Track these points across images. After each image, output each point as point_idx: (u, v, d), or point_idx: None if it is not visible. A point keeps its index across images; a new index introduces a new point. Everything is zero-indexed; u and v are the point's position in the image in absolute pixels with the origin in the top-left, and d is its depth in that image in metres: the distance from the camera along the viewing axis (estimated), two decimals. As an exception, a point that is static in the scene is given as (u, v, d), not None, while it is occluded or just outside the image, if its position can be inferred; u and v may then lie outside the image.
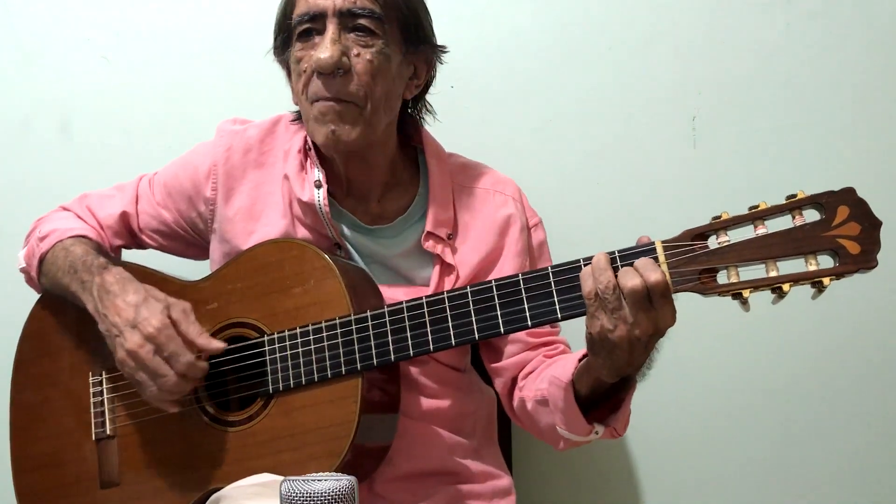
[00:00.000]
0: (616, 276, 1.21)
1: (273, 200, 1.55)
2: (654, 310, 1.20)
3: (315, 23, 1.42)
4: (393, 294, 1.49)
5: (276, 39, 1.52)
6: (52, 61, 1.97)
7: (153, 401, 1.43)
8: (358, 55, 1.41)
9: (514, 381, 1.55)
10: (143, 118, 1.96)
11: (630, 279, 1.20)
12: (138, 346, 1.39)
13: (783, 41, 1.89)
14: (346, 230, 1.54)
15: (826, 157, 1.88)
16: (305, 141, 1.54)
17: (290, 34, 1.47)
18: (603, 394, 1.35)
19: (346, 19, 1.41)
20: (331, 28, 1.41)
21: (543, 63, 1.92)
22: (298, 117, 1.57)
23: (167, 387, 1.40)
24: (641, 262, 1.21)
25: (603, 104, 1.92)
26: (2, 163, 1.97)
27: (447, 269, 1.52)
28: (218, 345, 1.43)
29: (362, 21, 1.41)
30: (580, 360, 1.34)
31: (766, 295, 1.20)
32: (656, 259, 1.23)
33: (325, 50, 1.39)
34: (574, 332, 1.36)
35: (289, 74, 1.53)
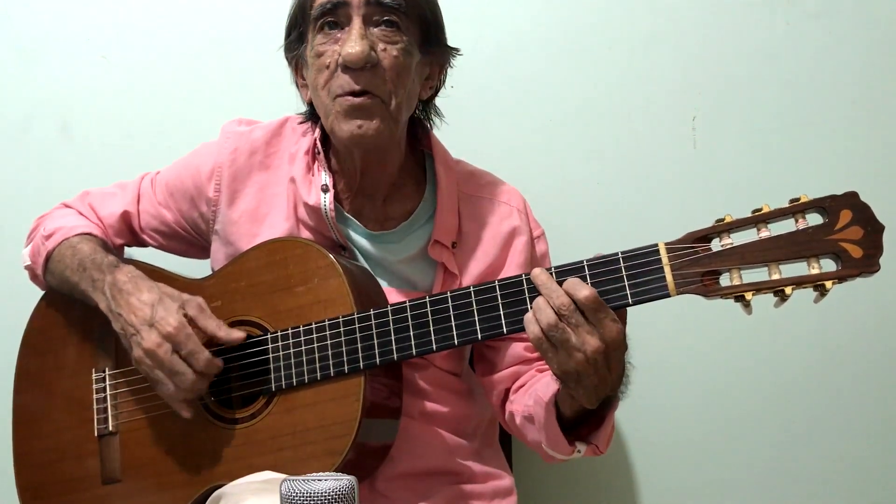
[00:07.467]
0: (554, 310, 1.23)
1: (278, 203, 1.54)
2: (594, 325, 1.21)
3: (337, 14, 1.40)
4: (395, 298, 1.48)
5: (289, 34, 1.50)
6: (52, 61, 1.96)
7: (170, 400, 1.43)
8: (384, 50, 1.40)
9: (506, 392, 1.54)
10: (143, 118, 1.96)
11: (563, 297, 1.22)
12: (156, 345, 1.39)
13: (783, 41, 1.89)
14: (350, 234, 1.53)
15: (826, 157, 1.88)
16: (314, 143, 1.53)
17: (305, 28, 1.45)
18: (586, 413, 1.34)
19: (372, 11, 1.40)
20: (356, 21, 1.39)
21: (543, 63, 1.93)
22: (306, 119, 1.56)
23: (185, 384, 1.40)
24: (569, 283, 1.23)
25: (603, 104, 1.92)
26: (2, 163, 1.97)
27: (450, 277, 1.51)
28: (238, 335, 1.43)
29: (389, 16, 1.40)
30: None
31: (768, 298, 1.20)
32: (660, 260, 1.23)
33: (353, 44, 1.37)
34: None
35: (296, 71, 1.52)
